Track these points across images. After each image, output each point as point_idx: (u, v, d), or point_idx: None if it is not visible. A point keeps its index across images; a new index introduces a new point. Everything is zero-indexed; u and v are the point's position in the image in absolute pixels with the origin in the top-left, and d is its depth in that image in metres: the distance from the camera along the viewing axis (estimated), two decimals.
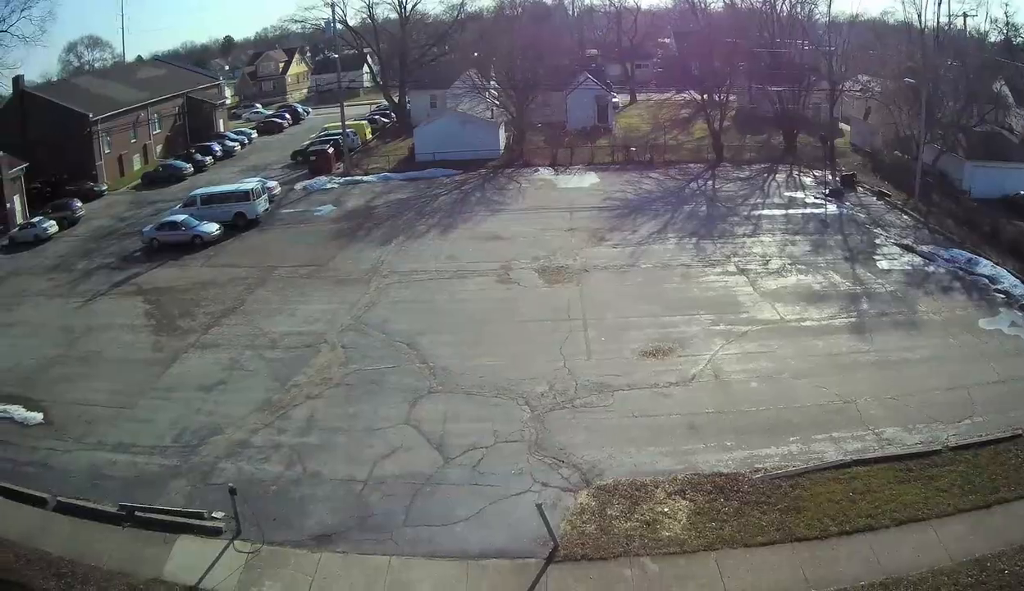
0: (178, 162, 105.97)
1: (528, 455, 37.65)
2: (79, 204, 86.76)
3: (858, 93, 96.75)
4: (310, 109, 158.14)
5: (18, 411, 45.15)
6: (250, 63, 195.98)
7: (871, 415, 39.01)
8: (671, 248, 65.79)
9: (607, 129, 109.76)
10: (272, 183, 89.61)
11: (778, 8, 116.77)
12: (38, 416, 44.60)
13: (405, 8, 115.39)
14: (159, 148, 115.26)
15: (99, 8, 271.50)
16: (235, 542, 32.64)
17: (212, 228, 71.80)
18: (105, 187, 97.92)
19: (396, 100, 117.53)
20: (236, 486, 33.68)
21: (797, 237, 67.38)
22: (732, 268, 60.78)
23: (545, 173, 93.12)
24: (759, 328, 49.83)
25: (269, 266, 65.48)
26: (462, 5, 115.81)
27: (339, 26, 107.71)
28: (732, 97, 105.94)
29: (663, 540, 31.61)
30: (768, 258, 62.51)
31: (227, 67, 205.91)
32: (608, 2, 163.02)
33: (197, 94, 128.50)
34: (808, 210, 75.28)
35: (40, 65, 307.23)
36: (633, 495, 34.34)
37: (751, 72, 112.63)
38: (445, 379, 45.00)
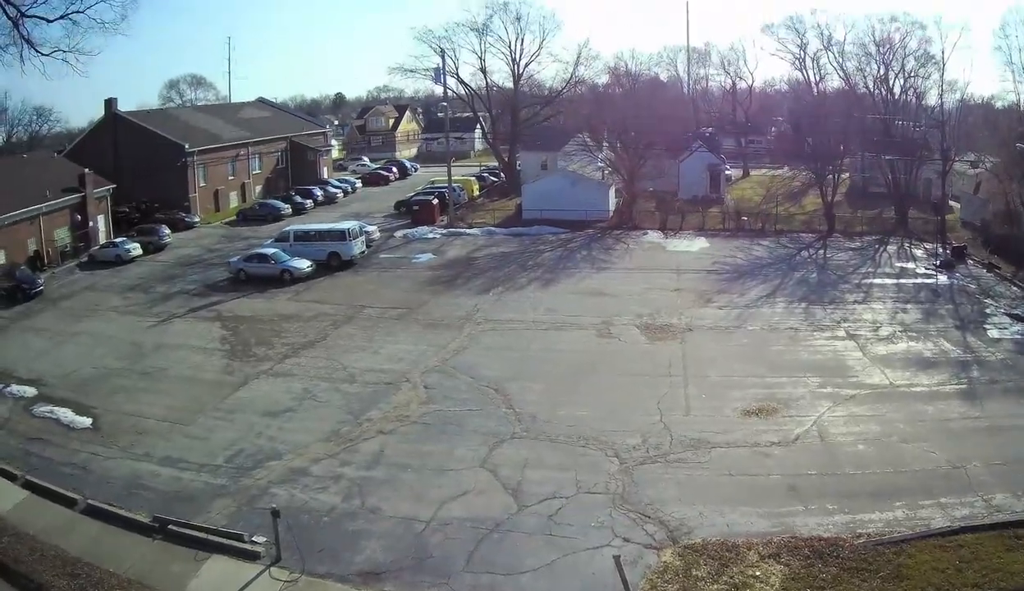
0: (276, 201, 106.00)
1: (612, 508, 35.26)
2: (167, 231, 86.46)
3: (968, 164, 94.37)
4: (418, 165, 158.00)
5: (66, 414, 44.48)
6: (359, 116, 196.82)
7: (980, 481, 35.92)
8: (779, 312, 63.50)
9: (719, 199, 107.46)
10: (371, 227, 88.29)
11: (891, 84, 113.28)
12: (87, 421, 44.05)
13: (518, 64, 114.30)
14: (258, 189, 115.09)
15: (205, 50, 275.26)
16: (272, 569, 30.62)
17: (304, 264, 69.75)
18: (197, 219, 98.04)
19: (506, 159, 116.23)
20: (286, 514, 32.33)
21: (908, 305, 64.84)
22: (841, 333, 58.15)
23: (654, 236, 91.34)
24: (867, 392, 47.09)
25: (358, 305, 64.21)
26: (575, 68, 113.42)
27: (450, 79, 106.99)
28: (844, 173, 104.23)
29: None
30: (878, 325, 59.78)
31: (336, 122, 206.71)
32: (724, 75, 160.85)
33: (301, 139, 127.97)
34: (919, 280, 72.55)
35: (139, 95, 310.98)
36: (723, 556, 31.69)
37: (864, 144, 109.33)
38: (530, 425, 42.91)
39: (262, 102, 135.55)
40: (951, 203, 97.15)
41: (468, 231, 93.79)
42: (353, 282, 71.80)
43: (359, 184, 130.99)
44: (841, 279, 73.14)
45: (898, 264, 79.18)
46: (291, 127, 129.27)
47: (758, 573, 30.65)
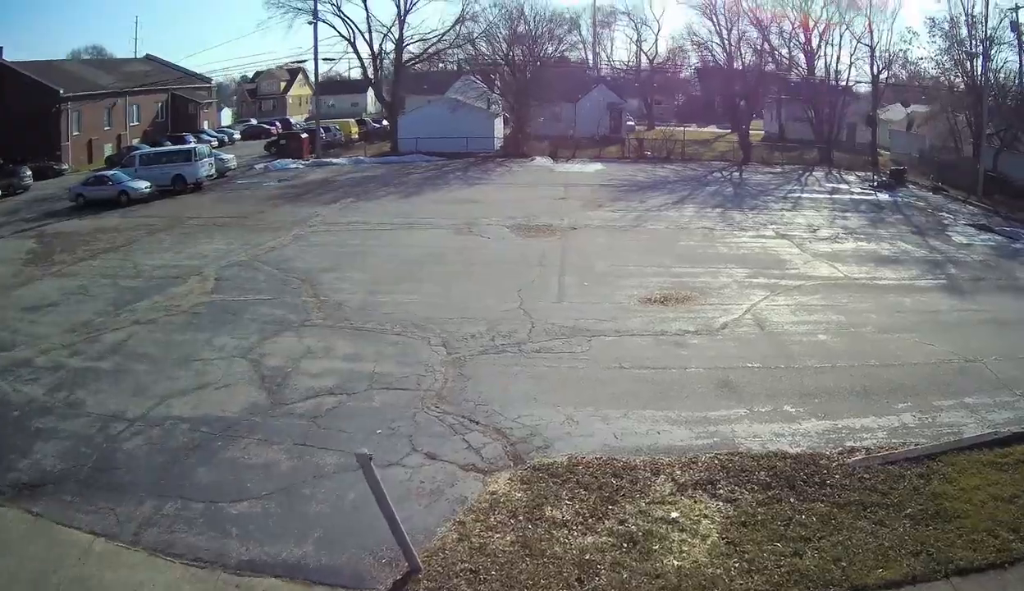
0: (143, 147, 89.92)
1: (419, 410, 20.28)
2: (28, 172, 74.59)
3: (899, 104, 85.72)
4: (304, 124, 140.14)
5: None
6: (251, 81, 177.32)
7: (1012, 377, 22.21)
8: (689, 215, 48.48)
9: (620, 139, 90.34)
10: (228, 156, 75.51)
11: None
12: None
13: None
14: (135, 140, 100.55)
15: (109, 22, 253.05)
16: None
17: (142, 185, 59.41)
18: (67, 167, 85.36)
19: (389, 99, 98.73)
20: None
21: (848, 213, 50.78)
22: (770, 233, 43.39)
23: (542, 162, 75.67)
24: (817, 283, 32.64)
25: (185, 217, 50.27)
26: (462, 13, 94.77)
27: (329, 14, 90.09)
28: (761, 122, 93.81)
29: (666, 577, 13.64)
30: (815, 227, 45.18)
31: (225, 81, 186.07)
32: (630, 26, 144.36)
33: (183, 92, 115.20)
34: (857, 196, 58.64)
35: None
36: (607, 484, 16.49)
37: (779, 98, 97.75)
38: (333, 313, 28.94)
39: (150, 58, 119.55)
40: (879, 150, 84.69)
41: (335, 161, 78.45)
42: (193, 201, 58.13)
43: (237, 136, 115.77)
44: (762, 193, 58.33)
45: (828, 185, 64.78)
46: (175, 81, 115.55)
47: (675, 514, 15.38)
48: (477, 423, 19.13)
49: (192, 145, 68.01)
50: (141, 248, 41.41)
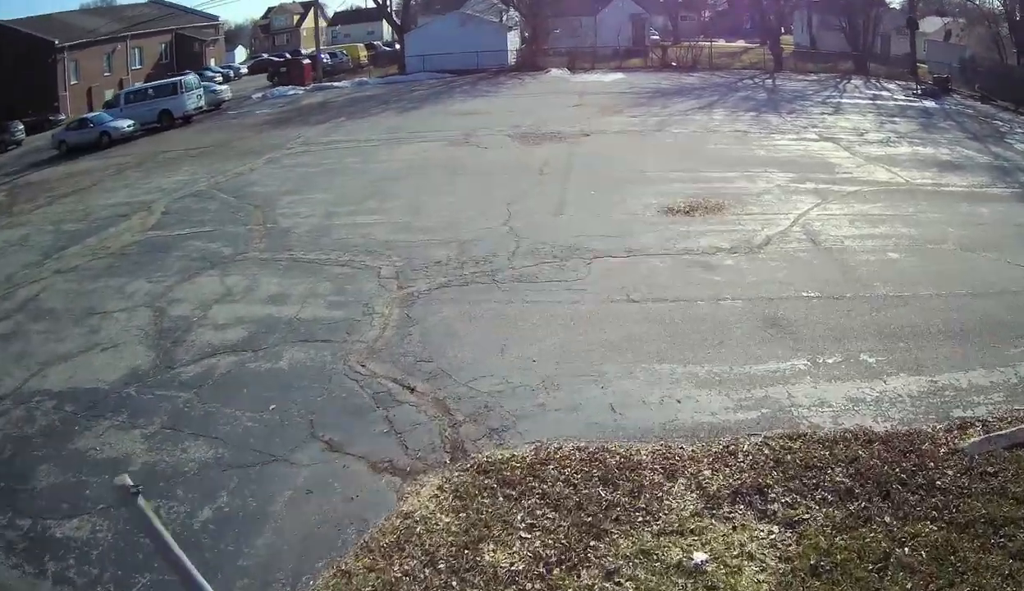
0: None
1: (339, 370, 14.48)
2: (20, 127, 70.02)
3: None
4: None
5: None
6: (263, 17, 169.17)
7: None
8: (719, 119, 41.14)
9: (643, 52, 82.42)
10: (222, 87, 70.00)
11: None
12: None
13: None
14: (137, 84, 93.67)
15: None
16: None
17: (124, 124, 54.15)
18: (63, 117, 78.68)
19: (399, 22, 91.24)
20: None
21: (896, 118, 42.91)
22: (812, 136, 36.07)
23: (558, 73, 67.81)
24: (876, 188, 25.72)
25: (160, 151, 44.19)
26: None
27: None
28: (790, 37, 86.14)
29: None
30: (864, 131, 37.72)
31: (244, 22, 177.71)
32: None
33: (188, 32, 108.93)
34: (902, 103, 50.59)
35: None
36: (593, 498, 10.30)
37: (810, 10, 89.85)
38: (279, 242, 23.11)
39: (154, 2, 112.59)
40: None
41: (336, 85, 71.35)
42: (177, 135, 51.86)
43: (245, 70, 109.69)
44: (799, 98, 50.67)
45: (869, 92, 56.71)
46: (180, 21, 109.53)
47: (701, 557, 8.89)
48: (412, 390, 13.02)
49: (179, 78, 62.09)
50: (102, 188, 35.68)
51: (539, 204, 23.82)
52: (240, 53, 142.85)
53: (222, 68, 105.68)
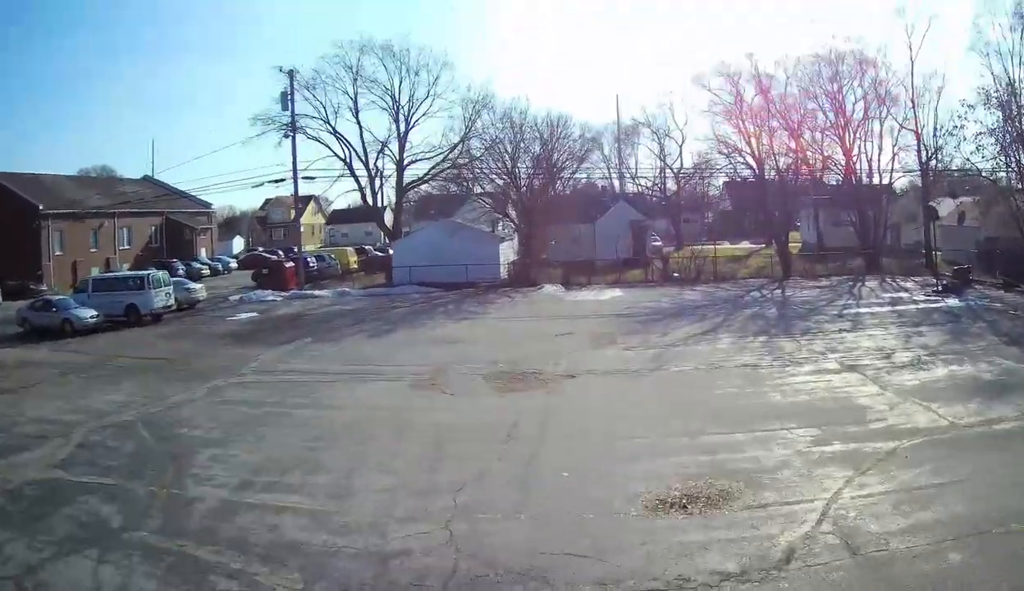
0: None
1: None
2: None
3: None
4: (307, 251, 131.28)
5: None
6: (261, 208, 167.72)
7: None
8: (724, 348, 36.83)
9: (644, 261, 78.70)
10: (197, 285, 67.16)
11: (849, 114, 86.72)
12: None
13: (403, 111, 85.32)
14: (124, 265, 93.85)
15: (122, 147, 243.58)
16: None
17: (87, 314, 52.58)
18: (45, 288, 77.73)
19: (391, 227, 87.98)
20: None
21: (922, 327, 39.52)
22: (833, 365, 31.76)
23: (551, 290, 64.11)
24: (918, 442, 21.01)
25: (114, 356, 41.83)
26: (471, 121, 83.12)
27: (323, 133, 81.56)
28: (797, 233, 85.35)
29: None
30: (890, 351, 33.65)
31: (244, 211, 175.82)
32: (653, 140, 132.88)
33: (180, 217, 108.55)
34: (923, 306, 47.15)
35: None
36: None
37: (817, 206, 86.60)
38: (174, 518, 18.59)
39: (148, 180, 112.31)
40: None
41: (317, 293, 68.00)
42: (138, 336, 49.05)
43: (234, 264, 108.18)
44: (812, 312, 46.67)
45: (886, 295, 53.20)
46: (173, 205, 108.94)
47: None
48: None
49: (148, 273, 59.78)
50: (39, 393, 33.13)
51: (496, 493, 18.86)
52: (238, 243, 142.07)
53: (211, 260, 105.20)
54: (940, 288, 52.78)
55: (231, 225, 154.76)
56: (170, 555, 16.21)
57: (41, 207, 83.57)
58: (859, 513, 16.24)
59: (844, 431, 22.08)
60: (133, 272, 63.87)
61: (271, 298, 65.59)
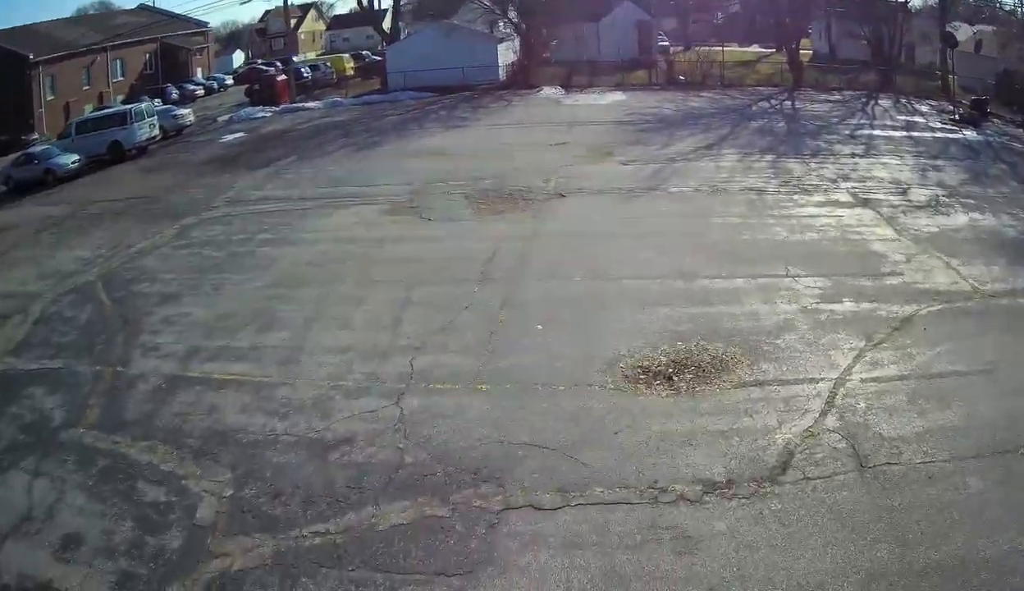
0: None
1: None
2: None
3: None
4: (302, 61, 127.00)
5: None
6: (261, 19, 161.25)
7: None
8: (728, 166, 33.83)
9: (650, 61, 74.44)
10: (183, 111, 63.04)
11: None
12: None
13: None
14: (119, 97, 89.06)
15: None
16: None
17: (68, 160, 49.49)
18: (36, 136, 73.35)
19: (388, 31, 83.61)
20: None
21: (939, 161, 35.62)
22: (845, 196, 28.84)
23: (550, 93, 60.21)
24: (937, 308, 18.51)
25: (93, 200, 38.58)
26: None
27: None
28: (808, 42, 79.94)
29: None
30: (907, 186, 30.43)
31: (246, 22, 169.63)
32: None
33: (174, 40, 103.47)
34: (940, 135, 42.93)
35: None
36: None
37: (830, 16, 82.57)
38: (113, 408, 16.57)
39: (144, 7, 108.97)
40: (938, 71, 70.43)
41: (308, 105, 64.15)
42: (118, 175, 45.83)
43: (230, 81, 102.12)
44: (824, 130, 43.10)
45: (901, 118, 48.93)
46: (167, 29, 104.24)
47: None
48: None
49: (130, 107, 56.46)
50: (11, 261, 29.82)
51: (458, 355, 16.61)
52: (238, 57, 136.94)
53: (206, 79, 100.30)
54: (957, 117, 49.31)
55: (234, 40, 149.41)
56: (104, 457, 14.56)
57: (31, 56, 79.89)
58: (869, 405, 14.02)
59: (856, 285, 19.66)
60: (115, 108, 60.32)
61: (260, 114, 62.24)
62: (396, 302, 19.73)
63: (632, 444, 12.92)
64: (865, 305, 18.45)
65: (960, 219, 26.23)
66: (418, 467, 12.58)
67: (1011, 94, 55.72)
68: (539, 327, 17.67)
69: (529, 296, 19.46)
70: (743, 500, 11.50)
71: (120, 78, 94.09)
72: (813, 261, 21.47)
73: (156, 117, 55.50)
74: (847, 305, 18.47)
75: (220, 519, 12.25)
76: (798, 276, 20.26)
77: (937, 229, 24.89)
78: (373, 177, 34.56)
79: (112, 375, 17.80)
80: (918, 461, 12.33)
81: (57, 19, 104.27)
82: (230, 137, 52.92)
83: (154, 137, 53.96)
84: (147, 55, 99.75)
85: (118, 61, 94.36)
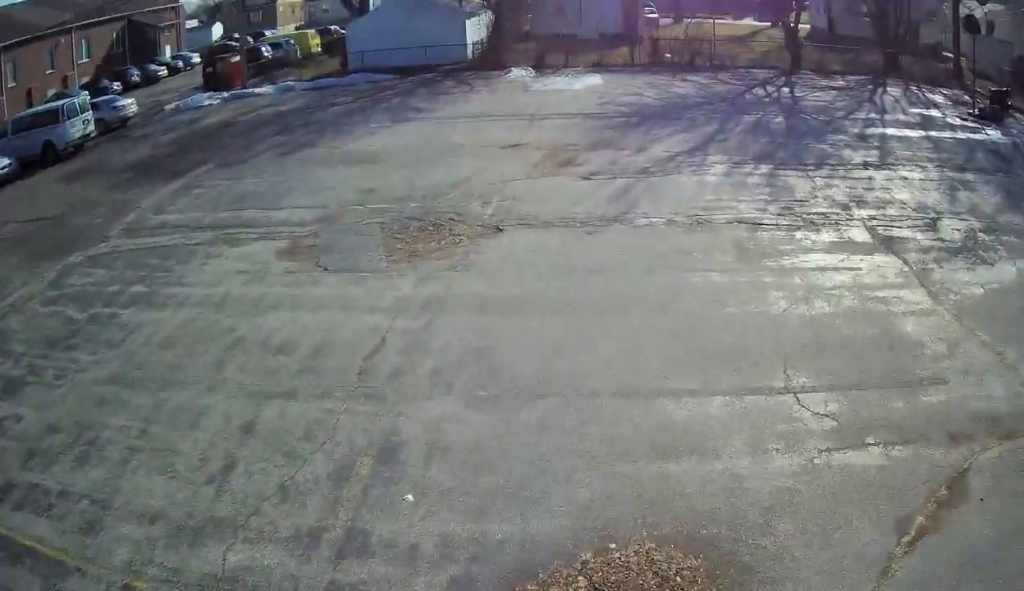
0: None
1: None
2: None
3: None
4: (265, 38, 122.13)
5: None
6: None
7: None
8: (714, 182, 27.77)
9: (637, 38, 67.54)
10: (126, 101, 57.71)
11: None
12: None
13: None
14: (84, 79, 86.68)
15: None
16: None
17: None
18: None
19: (357, 5, 76.76)
20: None
21: (967, 175, 29.06)
22: (861, 235, 22.54)
23: (519, 74, 53.69)
24: (996, 454, 11.99)
25: None
26: None
27: None
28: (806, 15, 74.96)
29: None
30: (935, 215, 24.23)
31: None
32: None
33: (143, 17, 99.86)
34: (961, 135, 36.43)
35: None
36: None
37: None
38: None
39: None
40: (946, 53, 64.01)
41: (258, 91, 58.35)
42: (41, 184, 41.10)
43: (196, 59, 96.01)
44: (829, 127, 36.75)
45: (914, 110, 42.45)
46: (136, 6, 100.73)
47: None
48: None
49: (60, 102, 51.99)
50: None
51: (281, 554, 11.14)
52: (217, 31, 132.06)
53: (172, 58, 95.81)
54: (977, 112, 43.13)
55: (213, 13, 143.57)
56: None
57: None
58: None
59: (884, 409, 13.75)
60: (49, 105, 55.62)
61: (207, 102, 56.87)
62: (237, 428, 14.05)
63: None
64: (897, 453, 12.35)
65: (1007, 271, 20.07)
66: None
67: None
68: (408, 498, 11.52)
69: (408, 429, 13.34)
70: None
71: (86, 60, 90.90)
72: (823, 358, 15.42)
73: (91, 112, 50.66)
74: (872, 453, 12.53)
75: None
76: (802, 391, 14.09)
77: (981, 290, 18.83)
78: (285, 195, 28.93)
79: None
80: None
81: (16, 3, 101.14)
82: (166, 134, 47.67)
83: (88, 134, 49.23)
84: (115, 34, 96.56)
85: (83, 41, 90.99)
